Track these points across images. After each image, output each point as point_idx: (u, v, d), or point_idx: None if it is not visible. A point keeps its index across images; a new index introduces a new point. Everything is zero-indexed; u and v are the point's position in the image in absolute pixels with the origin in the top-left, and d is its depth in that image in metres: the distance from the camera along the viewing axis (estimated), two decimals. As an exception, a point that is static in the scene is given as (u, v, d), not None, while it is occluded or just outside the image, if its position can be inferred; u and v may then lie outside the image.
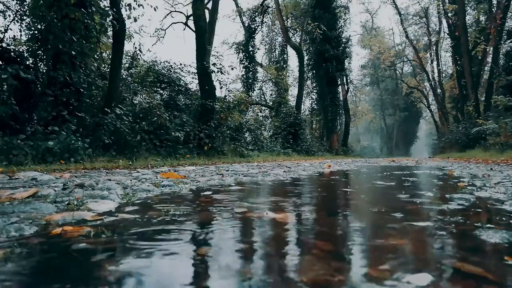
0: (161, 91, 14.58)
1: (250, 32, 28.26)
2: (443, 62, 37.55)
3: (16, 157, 6.03)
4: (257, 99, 28.52)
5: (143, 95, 12.60)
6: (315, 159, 16.20)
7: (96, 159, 7.55)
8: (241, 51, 28.07)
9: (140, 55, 14.83)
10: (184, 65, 15.60)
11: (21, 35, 9.41)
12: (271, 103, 27.86)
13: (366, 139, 67.08)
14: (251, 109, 24.53)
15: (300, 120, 23.19)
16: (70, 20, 8.23)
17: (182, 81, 15.28)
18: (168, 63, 15.31)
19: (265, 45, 31.69)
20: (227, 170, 5.55)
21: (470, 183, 3.08)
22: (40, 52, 8.73)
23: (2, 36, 8.91)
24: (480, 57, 23.61)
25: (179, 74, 15.35)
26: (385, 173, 5.12)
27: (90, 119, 8.82)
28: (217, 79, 14.76)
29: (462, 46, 22.74)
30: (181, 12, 29.68)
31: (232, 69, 16.29)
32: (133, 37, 15.41)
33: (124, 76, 12.42)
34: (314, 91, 30.49)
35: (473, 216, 1.56)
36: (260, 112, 27.04)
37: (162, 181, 3.09)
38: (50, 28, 8.21)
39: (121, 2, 10.42)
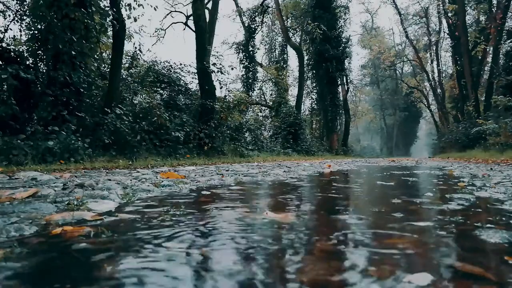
0: (161, 91, 14.58)
1: (250, 32, 28.25)
2: (443, 62, 37.59)
3: (16, 157, 6.03)
4: (257, 99, 28.51)
5: (143, 95, 12.60)
6: (315, 159, 16.20)
7: (96, 159, 7.55)
8: (241, 51, 28.06)
9: (140, 55, 14.84)
10: (184, 65, 15.62)
11: (21, 35, 9.42)
12: (271, 103, 27.85)
13: (366, 139, 67.08)
14: (251, 109, 24.52)
15: (300, 120, 23.18)
16: (70, 20, 8.23)
17: (182, 81, 15.28)
18: (168, 63, 15.31)
19: (265, 45, 31.70)
20: (227, 170, 5.55)
21: (470, 183, 3.08)
22: (40, 52, 8.72)
23: (2, 36, 8.91)
24: (480, 57, 23.61)
25: (179, 74, 15.36)
26: (385, 173, 5.12)
27: (90, 119, 8.82)
28: (217, 79, 14.76)
29: (462, 46, 22.74)
30: (181, 12, 29.70)
31: (232, 69, 16.30)
32: (133, 37, 15.41)
33: (124, 76, 12.42)
34: (314, 91, 30.48)
35: (473, 216, 1.56)
36: (260, 112, 27.04)
37: (162, 181, 3.09)
38: (50, 28, 8.20)
39: (121, 2, 10.42)
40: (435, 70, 36.68)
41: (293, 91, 31.61)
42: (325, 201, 2.20)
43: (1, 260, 0.90)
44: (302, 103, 28.53)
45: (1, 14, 9.23)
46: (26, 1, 9.23)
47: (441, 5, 28.50)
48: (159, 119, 10.71)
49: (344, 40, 29.49)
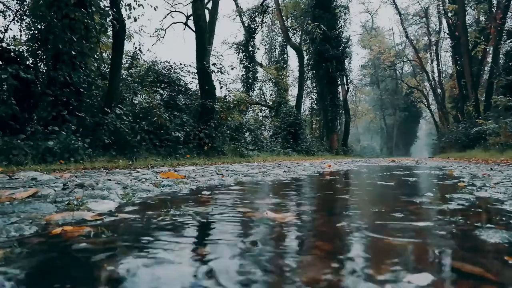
0: (161, 91, 14.58)
1: (250, 32, 28.25)
2: (443, 62, 37.60)
3: (16, 157, 6.03)
4: (257, 99, 28.51)
5: (143, 95, 12.60)
6: (315, 159, 16.20)
7: (96, 159, 7.55)
8: (241, 51, 28.06)
9: (140, 55, 14.85)
10: (184, 65, 15.62)
11: (21, 35, 9.42)
12: (271, 103, 27.86)
13: (366, 139, 67.11)
14: (251, 109, 24.53)
15: (300, 120, 23.19)
16: (70, 20, 8.23)
17: (182, 81, 15.28)
18: (168, 63, 15.32)
19: (265, 45, 31.71)
20: (227, 170, 5.55)
21: (470, 183, 3.08)
22: (40, 52, 8.72)
23: (2, 36, 8.91)
24: (480, 57, 23.61)
25: (179, 74, 15.36)
26: (385, 173, 5.12)
27: (90, 119, 8.82)
28: (217, 79, 14.77)
29: (462, 46, 22.74)
30: (181, 12, 29.71)
31: (232, 69, 16.31)
32: (133, 37, 15.42)
33: (124, 76, 12.42)
34: (314, 91, 30.49)
35: (473, 216, 1.56)
36: (260, 112, 27.05)
37: (162, 181, 3.09)
38: (50, 28, 8.20)
39: (121, 2, 10.42)
40: (435, 70, 36.73)
41: (293, 91, 31.66)
42: (325, 201, 2.20)
43: (1, 260, 0.90)
44: (302, 103, 28.55)
45: (1, 14, 9.23)
46: (26, 1, 9.23)
47: (441, 5, 28.52)
48: (159, 119, 10.71)
49: (344, 40, 29.49)
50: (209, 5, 19.35)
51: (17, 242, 1.07)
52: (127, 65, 14.36)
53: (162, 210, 1.68)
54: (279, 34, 30.25)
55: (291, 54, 33.89)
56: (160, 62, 15.20)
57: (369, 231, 1.27)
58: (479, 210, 1.74)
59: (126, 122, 9.55)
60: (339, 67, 28.13)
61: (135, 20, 11.03)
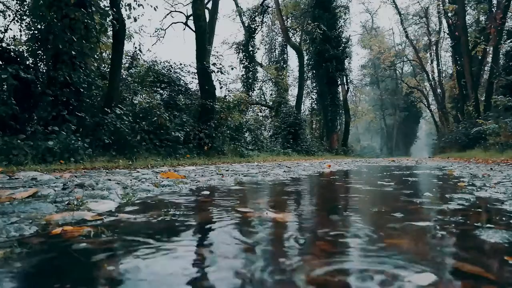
0: (161, 91, 14.58)
1: (250, 32, 28.25)
2: (443, 62, 37.57)
3: (16, 157, 6.03)
4: (257, 99, 28.52)
5: (143, 95, 12.61)
6: (315, 159, 16.20)
7: (96, 159, 7.55)
8: (241, 51, 28.06)
9: (140, 55, 14.86)
10: (184, 65, 15.63)
11: (21, 35, 9.43)
12: (271, 103, 27.87)
13: (366, 139, 67.10)
14: (251, 109, 24.52)
15: (300, 120, 23.19)
16: (70, 20, 8.23)
17: (182, 81, 15.28)
18: (168, 63, 15.32)
19: (265, 45, 31.74)
20: (227, 170, 5.55)
21: (470, 183, 3.08)
22: (40, 52, 8.72)
23: (2, 36, 8.91)
24: (480, 57, 23.61)
25: (179, 74, 15.36)
26: (385, 173, 5.12)
27: (90, 119, 8.82)
28: (217, 79, 14.77)
29: (462, 46, 22.74)
30: (181, 12, 29.74)
31: (232, 69, 16.31)
32: (133, 37, 15.44)
33: (124, 76, 12.43)
34: (314, 91, 30.51)
35: (473, 216, 1.56)
36: (260, 112, 27.05)
37: (162, 181, 3.09)
38: (50, 28, 8.20)
39: (121, 2, 10.42)
40: (435, 70, 36.73)
41: (293, 91, 31.69)
42: (324, 201, 2.20)
43: (1, 260, 0.90)
44: (302, 103, 28.56)
45: (1, 14, 9.24)
46: (26, 1, 9.23)
47: (441, 5, 28.52)
48: (159, 119, 10.71)
49: (344, 40, 29.49)
50: (209, 5, 19.36)
51: (17, 242, 1.07)
52: (127, 65, 14.37)
53: (162, 210, 1.68)
54: (279, 34, 30.28)
55: (291, 54, 33.97)
56: (160, 62, 15.20)
57: (369, 231, 1.27)
58: (479, 210, 1.74)
59: (126, 122, 9.55)
60: (339, 67, 28.14)
61: (135, 20, 11.03)
